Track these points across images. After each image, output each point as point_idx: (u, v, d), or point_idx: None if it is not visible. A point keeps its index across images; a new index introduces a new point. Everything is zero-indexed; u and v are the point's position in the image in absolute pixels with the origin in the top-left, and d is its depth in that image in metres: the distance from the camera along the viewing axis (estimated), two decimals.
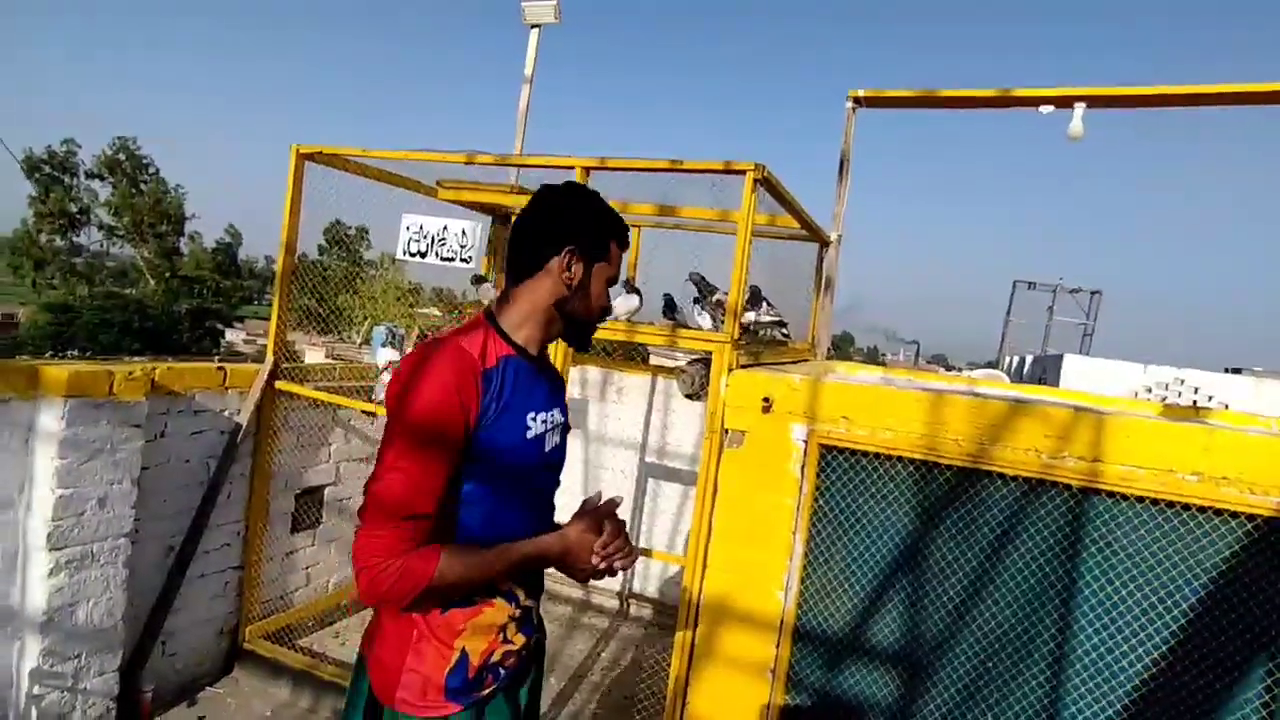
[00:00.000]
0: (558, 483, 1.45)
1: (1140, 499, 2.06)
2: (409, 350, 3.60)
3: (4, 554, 2.39)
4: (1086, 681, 2.14)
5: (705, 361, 2.81)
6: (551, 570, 1.38)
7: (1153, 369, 6.32)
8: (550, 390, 1.39)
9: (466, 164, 3.18)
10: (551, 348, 1.44)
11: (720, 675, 2.55)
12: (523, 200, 3.80)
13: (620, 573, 1.39)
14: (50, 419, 2.39)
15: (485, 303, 3.39)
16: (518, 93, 5.25)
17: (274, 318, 3.36)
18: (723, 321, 2.84)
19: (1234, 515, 1.98)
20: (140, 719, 2.86)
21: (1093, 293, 14.71)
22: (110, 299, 25.71)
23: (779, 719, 2.47)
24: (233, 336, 30.16)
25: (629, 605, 4.62)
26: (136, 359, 2.98)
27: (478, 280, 3.53)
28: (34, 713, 2.44)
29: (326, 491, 3.85)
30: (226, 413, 3.17)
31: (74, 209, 36.61)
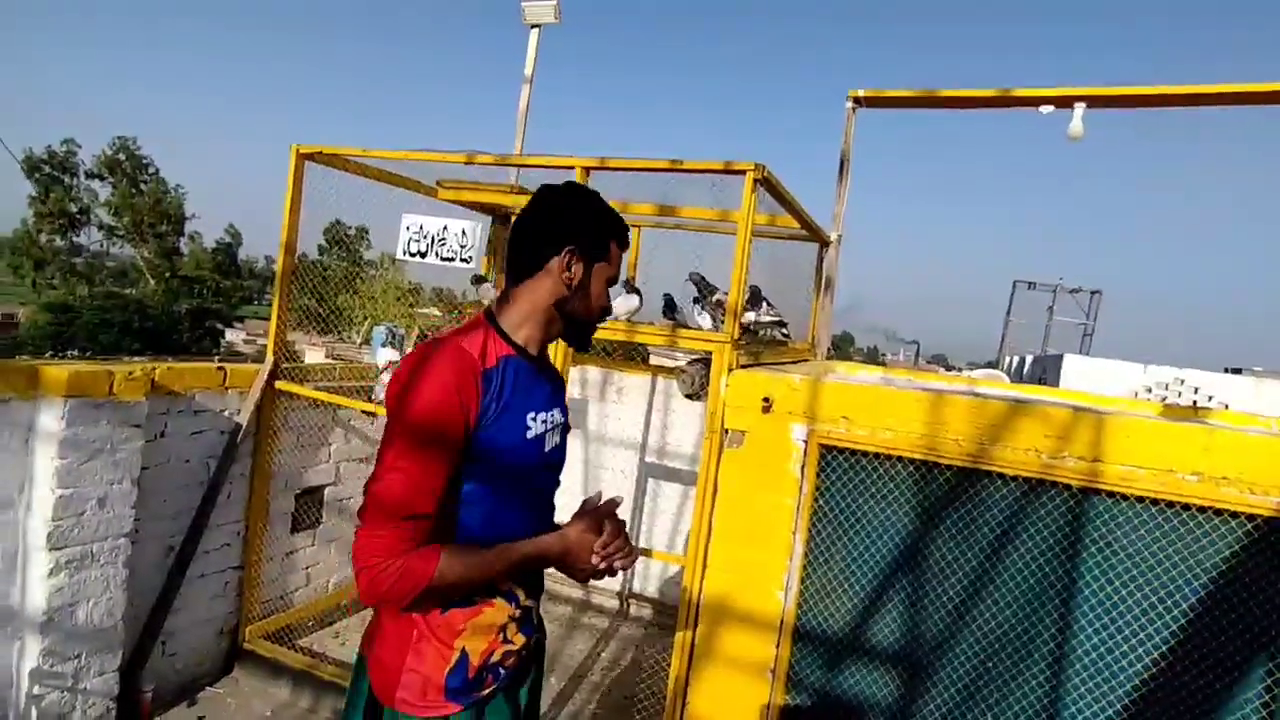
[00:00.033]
0: (558, 483, 1.45)
1: (1140, 499, 2.06)
2: (409, 350, 3.62)
3: (4, 554, 2.39)
4: (1086, 681, 2.14)
5: (705, 361, 2.81)
6: (551, 570, 1.38)
7: (1153, 369, 6.32)
8: (550, 390, 1.39)
9: (466, 164, 3.18)
10: (551, 348, 1.44)
11: (720, 675, 2.55)
12: (523, 200, 3.80)
13: (620, 572, 1.39)
14: (50, 419, 2.39)
15: (485, 302, 3.39)
16: (518, 93, 5.26)
17: (274, 318, 3.36)
18: (723, 321, 2.84)
19: (1234, 515, 1.98)
20: (140, 719, 2.86)
21: (1093, 293, 14.72)
22: (110, 299, 25.72)
23: (779, 719, 2.47)
24: (233, 336, 30.17)
25: (629, 605, 4.62)
26: (136, 359, 2.98)
27: (477, 280, 3.53)
28: (34, 713, 2.44)
29: (326, 491, 3.85)
30: (226, 413, 3.17)
31: (74, 209, 36.63)
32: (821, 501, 2.45)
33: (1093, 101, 3.97)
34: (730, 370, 2.58)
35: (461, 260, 3.31)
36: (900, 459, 2.32)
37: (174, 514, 3.00)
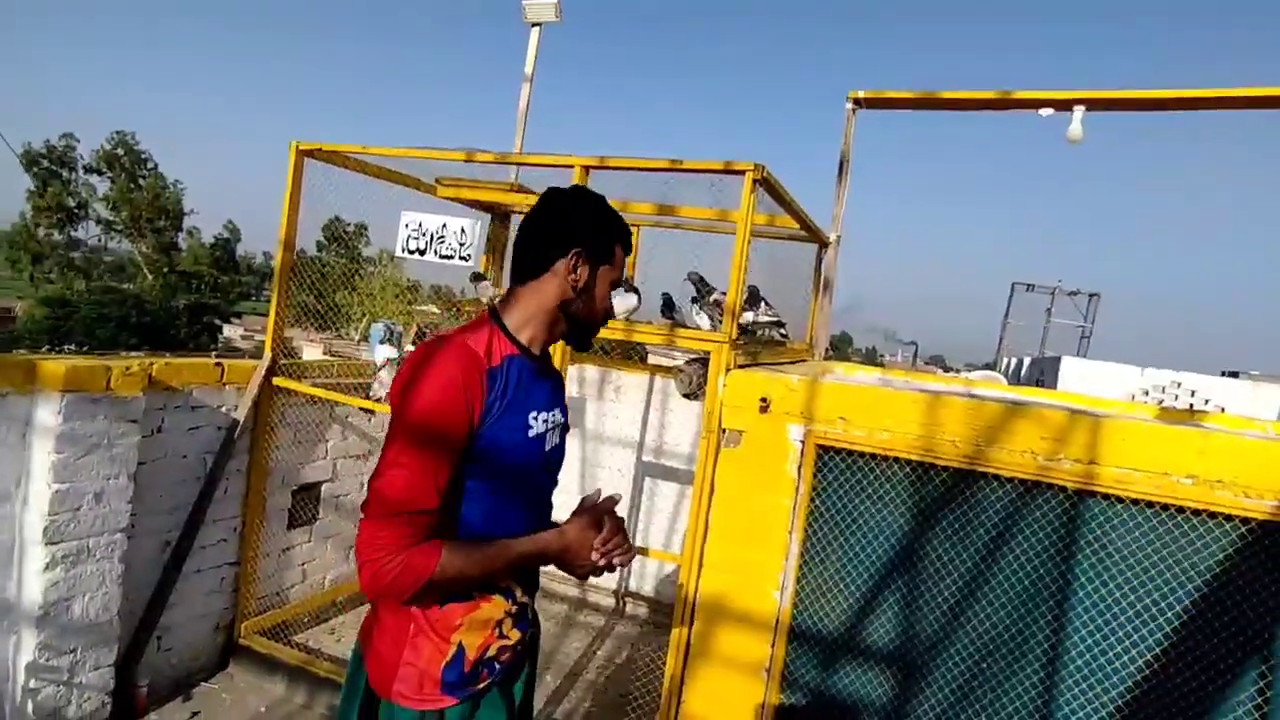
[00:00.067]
0: (556, 482, 1.46)
1: (1135, 502, 2.07)
2: (407, 347, 3.62)
3: (0, 548, 2.39)
4: (1080, 683, 2.14)
5: (703, 361, 2.81)
6: (549, 568, 1.39)
7: (1150, 372, 6.34)
8: (551, 390, 1.40)
9: (466, 162, 3.18)
10: (551, 347, 1.45)
11: (715, 674, 2.55)
12: (522, 199, 3.80)
13: (618, 569, 1.40)
14: (47, 414, 2.39)
15: (484, 300, 3.40)
16: (518, 92, 5.25)
17: (272, 314, 3.36)
18: (721, 321, 2.85)
19: (1229, 518, 1.98)
20: (135, 714, 2.86)
21: (1091, 295, 14.76)
22: (108, 294, 25.67)
23: (774, 718, 2.47)
24: (230, 332, 30.13)
25: (625, 604, 4.63)
26: (134, 354, 2.98)
27: (476, 278, 3.52)
28: (29, 706, 2.44)
29: (323, 488, 3.85)
30: (224, 408, 3.17)
31: (72, 203, 36.60)
32: (818, 502, 2.45)
33: (1092, 104, 3.98)
34: (728, 370, 2.58)
35: (460, 258, 3.31)
36: (897, 460, 2.33)
37: (170, 509, 3.00)
